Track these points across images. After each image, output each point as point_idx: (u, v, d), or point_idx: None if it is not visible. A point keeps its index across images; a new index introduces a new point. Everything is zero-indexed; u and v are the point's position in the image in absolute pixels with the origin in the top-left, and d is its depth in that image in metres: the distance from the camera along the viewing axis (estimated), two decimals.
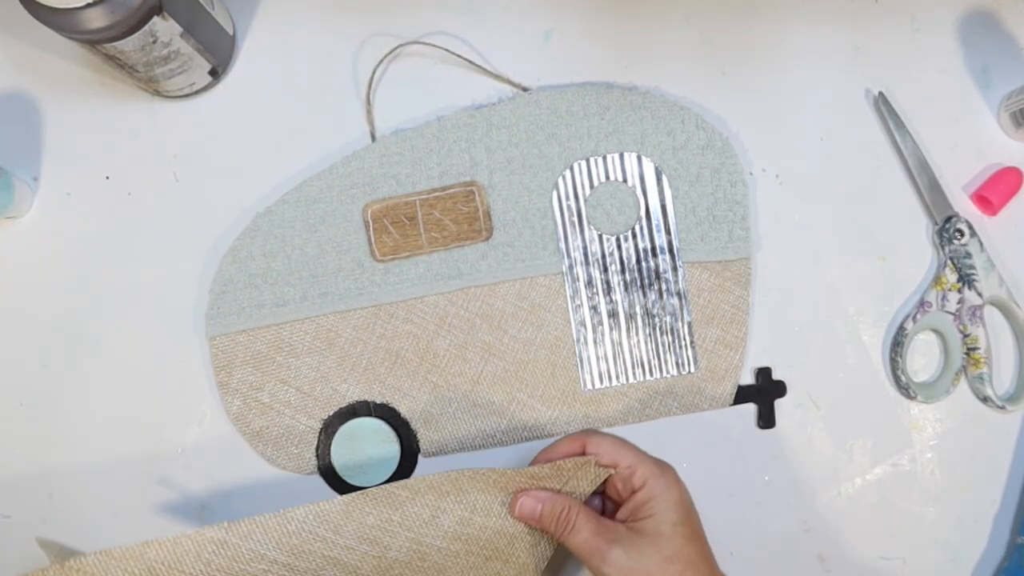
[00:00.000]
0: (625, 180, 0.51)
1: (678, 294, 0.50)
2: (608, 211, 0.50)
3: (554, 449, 0.44)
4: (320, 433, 0.50)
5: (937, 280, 0.51)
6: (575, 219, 0.50)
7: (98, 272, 0.51)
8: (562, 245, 0.50)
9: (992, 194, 0.51)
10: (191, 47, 0.46)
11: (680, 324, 0.50)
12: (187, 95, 0.51)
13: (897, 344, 0.51)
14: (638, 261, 0.50)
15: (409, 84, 0.52)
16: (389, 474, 0.49)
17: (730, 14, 0.53)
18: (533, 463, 0.44)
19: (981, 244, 0.51)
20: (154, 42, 0.44)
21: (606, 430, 0.50)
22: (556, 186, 0.50)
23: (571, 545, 0.41)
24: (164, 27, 0.43)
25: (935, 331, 0.52)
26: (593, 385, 0.50)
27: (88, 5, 0.40)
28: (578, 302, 0.50)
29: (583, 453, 0.43)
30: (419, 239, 0.50)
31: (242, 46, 0.52)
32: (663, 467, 0.42)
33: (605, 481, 0.43)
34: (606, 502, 0.45)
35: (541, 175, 0.50)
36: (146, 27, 0.42)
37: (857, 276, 0.52)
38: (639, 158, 0.50)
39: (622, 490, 0.43)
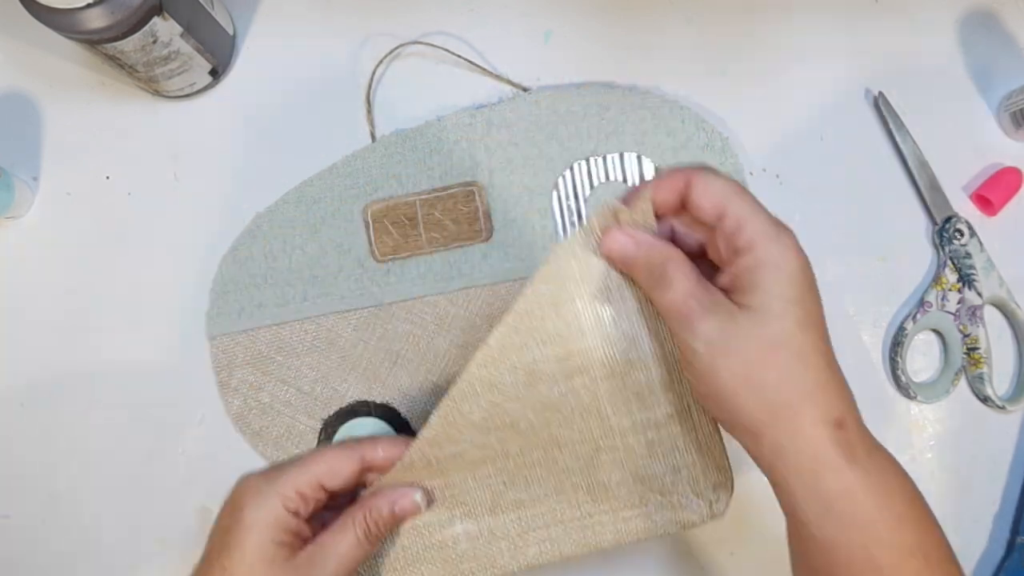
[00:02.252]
0: (625, 180, 0.50)
1: None
2: None
3: (652, 185, 0.34)
4: (320, 433, 0.49)
5: (937, 280, 0.51)
6: (575, 219, 0.50)
7: (98, 272, 0.51)
8: None
9: (992, 194, 0.51)
10: (191, 47, 0.46)
11: None
12: (187, 95, 0.51)
13: (897, 344, 0.51)
14: None
15: (409, 84, 0.52)
16: None
17: (730, 14, 0.53)
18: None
19: (981, 244, 0.51)
20: (154, 42, 0.44)
21: None
22: (556, 186, 0.50)
23: (660, 305, 0.34)
24: (164, 27, 0.43)
25: (935, 331, 0.52)
26: None
27: (88, 5, 0.40)
28: None
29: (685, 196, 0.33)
30: (419, 239, 0.50)
31: (242, 46, 0.52)
32: (780, 228, 0.32)
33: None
34: (710, 268, 0.35)
35: (541, 175, 0.50)
36: (146, 27, 0.42)
37: (857, 276, 0.52)
38: (639, 158, 0.50)
39: (724, 252, 0.33)
